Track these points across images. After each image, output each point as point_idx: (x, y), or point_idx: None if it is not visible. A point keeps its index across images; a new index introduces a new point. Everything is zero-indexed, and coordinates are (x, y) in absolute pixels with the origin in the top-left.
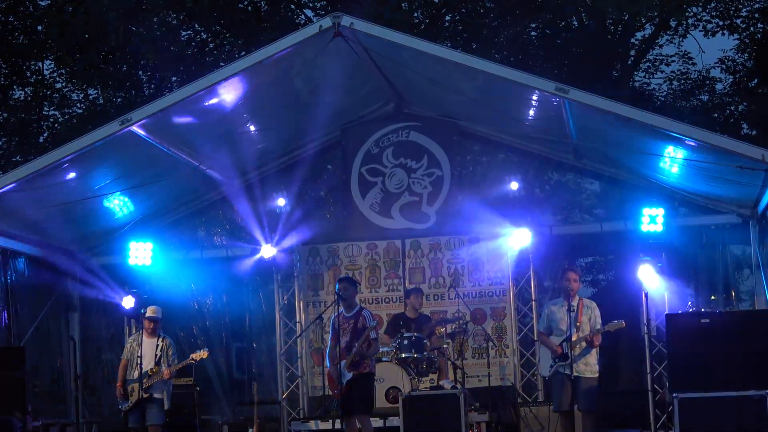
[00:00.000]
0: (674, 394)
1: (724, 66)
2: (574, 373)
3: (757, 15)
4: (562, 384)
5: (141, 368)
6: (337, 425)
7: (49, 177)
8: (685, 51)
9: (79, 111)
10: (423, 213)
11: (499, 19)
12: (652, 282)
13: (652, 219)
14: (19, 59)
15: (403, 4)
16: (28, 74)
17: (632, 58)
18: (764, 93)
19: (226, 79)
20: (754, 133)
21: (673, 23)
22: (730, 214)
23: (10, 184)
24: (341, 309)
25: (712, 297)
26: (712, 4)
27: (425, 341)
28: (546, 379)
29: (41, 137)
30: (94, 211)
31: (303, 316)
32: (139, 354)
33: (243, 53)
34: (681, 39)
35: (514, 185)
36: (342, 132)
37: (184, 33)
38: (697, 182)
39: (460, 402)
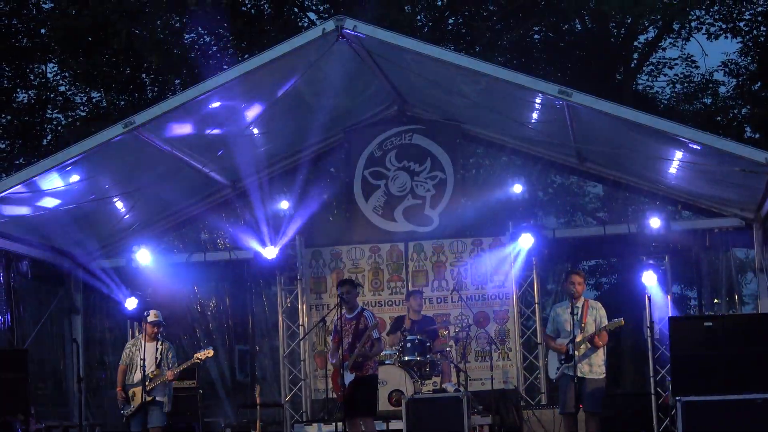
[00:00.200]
0: (677, 398)
1: (727, 69)
2: (579, 374)
3: (760, 18)
4: (567, 386)
5: (144, 371)
6: (340, 428)
7: (52, 179)
8: (688, 54)
9: (83, 114)
10: (426, 216)
11: (502, 22)
12: (656, 286)
13: (655, 222)
14: (23, 62)
15: (406, 7)
16: (32, 77)
17: (635, 62)
18: (767, 96)
19: (230, 82)
20: (757, 136)
21: (676, 26)
22: (733, 217)
23: (14, 186)
24: (343, 311)
25: (716, 300)
26: (716, 8)
27: (428, 344)
28: (554, 382)
29: (44, 140)
30: (97, 213)
31: (306, 319)
32: (142, 356)
33: (246, 56)
34: (684, 42)
35: (518, 188)
36: (345, 135)
37: (187, 36)
38: (700, 185)
39: (463, 405)
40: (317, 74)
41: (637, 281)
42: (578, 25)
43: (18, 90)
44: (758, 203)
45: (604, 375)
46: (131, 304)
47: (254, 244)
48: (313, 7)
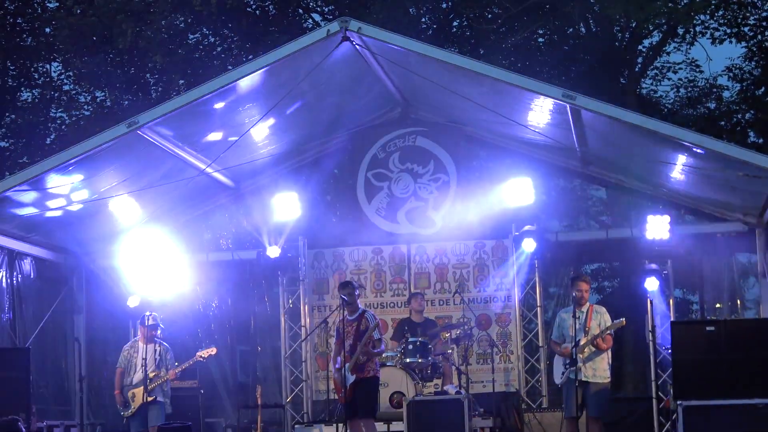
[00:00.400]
0: (678, 402)
1: (731, 74)
2: (583, 378)
3: (764, 23)
4: (571, 389)
5: (146, 372)
6: (341, 430)
7: (56, 178)
8: (693, 59)
9: (87, 113)
10: (429, 218)
11: (506, 25)
12: (658, 291)
13: (658, 226)
14: (27, 61)
15: (410, 10)
16: (36, 76)
17: (639, 66)
18: None
19: (233, 82)
20: (761, 141)
21: (680, 31)
22: (736, 222)
23: (17, 185)
24: (345, 313)
25: (718, 305)
26: (720, 12)
27: (430, 346)
28: (559, 387)
29: (48, 139)
30: (100, 212)
31: (308, 320)
32: (144, 356)
33: (251, 57)
34: (688, 47)
35: (520, 191)
36: (349, 136)
37: (192, 36)
38: (703, 190)
39: (464, 407)
40: (321, 75)
41: (639, 285)
42: (583, 29)
43: (22, 89)
44: (761, 208)
45: (609, 379)
46: (134, 301)
47: (256, 245)
48: (318, 9)
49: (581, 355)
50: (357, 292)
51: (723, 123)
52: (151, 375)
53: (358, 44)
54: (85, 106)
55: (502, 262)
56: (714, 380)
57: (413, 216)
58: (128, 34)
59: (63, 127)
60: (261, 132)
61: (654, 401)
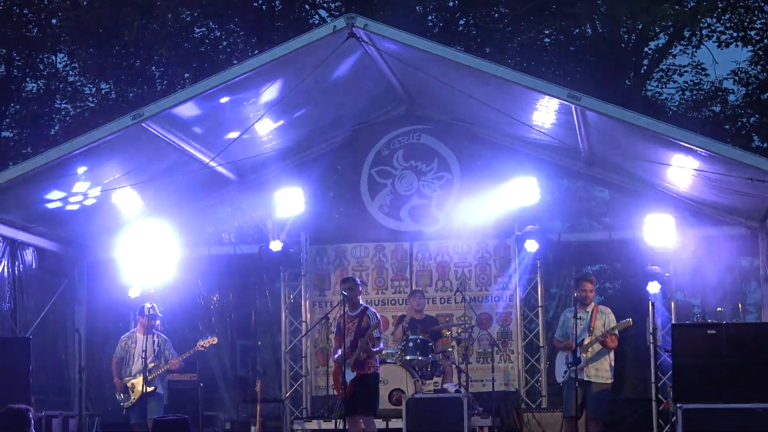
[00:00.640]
0: (678, 405)
1: (737, 78)
2: (585, 377)
3: None
4: (571, 389)
5: (145, 363)
6: (340, 425)
7: (60, 169)
8: (698, 62)
9: (92, 105)
10: (432, 216)
11: (512, 25)
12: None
13: (660, 229)
14: (33, 52)
15: (417, 8)
16: (41, 67)
17: (645, 68)
18: None
19: (238, 77)
20: (765, 145)
21: (687, 33)
22: (739, 225)
23: (21, 175)
24: (346, 309)
25: (719, 308)
26: (727, 15)
27: (430, 344)
28: (560, 385)
29: (52, 130)
30: (102, 204)
31: (309, 316)
32: (143, 347)
33: (256, 52)
34: (694, 49)
35: (524, 191)
36: (353, 133)
37: (198, 30)
38: (707, 193)
39: (463, 406)
40: (327, 72)
41: (641, 287)
42: (589, 30)
43: (27, 79)
44: (765, 212)
45: (611, 381)
46: (135, 292)
47: (259, 240)
48: (324, 5)
49: (585, 355)
50: (359, 289)
51: (728, 127)
52: (150, 366)
53: (364, 41)
54: (90, 98)
55: (505, 262)
56: (714, 384)
57: (416, 214)
58: (134, 27)
59: (67, 118)
60: (265, 127)
61: (654, 404)
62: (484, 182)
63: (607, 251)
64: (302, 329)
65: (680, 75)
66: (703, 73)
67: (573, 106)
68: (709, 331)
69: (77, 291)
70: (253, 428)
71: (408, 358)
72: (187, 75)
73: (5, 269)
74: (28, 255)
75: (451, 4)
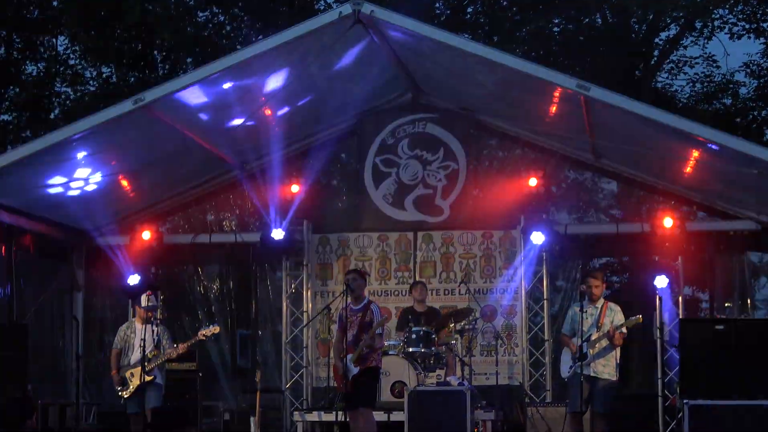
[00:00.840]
0: (685, 401)
1: (748, 70)
2: (592, 373)
3: None
4: (577, 384)
5: (144, 352)
6: (340, 417)
7: (59, 154)
8: (710, 53)
9: (92, 89)
10: (437, 206)
11: (521, 14)
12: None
13: (669, 222)
14: (33, 34)
15: None
16: (42, 50)
17: (655, 59)
18: None
19: (242, 62)
20: None
21: (698, 25)
22: (748, 220)
23: (19, 159)
24: (349, 301)
25: (727, 304)
26: (739, 7)
27: (433, 336)
28: (566, 381)
29: (53, 113)
30: (102, 190)
31: (310, 306)
32: (142, 337)
33: (260, 37)
34: (706, 41)
35: (531, 182)
36: (358, 121)
37: (201, 14)
38: (716, 187)
39: (466, 399)
40: (332, 58)
41: (648, 281)
42: (599, 20)
43: (27, 62)
44: None
45: (617, 377)
46: (134, 280)
47: (260, 228)
48: None
49: (592, 351)
50: (364, 281)
51: (738, 120)
52: (150, 355)
53: (370, 27)
54: (91, 82)
55: (510, 254)
56: (721, 380)
57: (421, 203)
58: (137, 10)
59: (68, 102)
60: (269, 112)
61: (660, 399)
62: (490, 172)
63: (615, 244)
64: (304, 319)
65: (691, 67)
66: (714, 65)
67: (582, 97)
68: (717, 327)
69: (75, 278)
70: (252, 419)
71: (410, 350)
72: (189, 60)
73: (1, 255)
74: (26, 241)
75: None
